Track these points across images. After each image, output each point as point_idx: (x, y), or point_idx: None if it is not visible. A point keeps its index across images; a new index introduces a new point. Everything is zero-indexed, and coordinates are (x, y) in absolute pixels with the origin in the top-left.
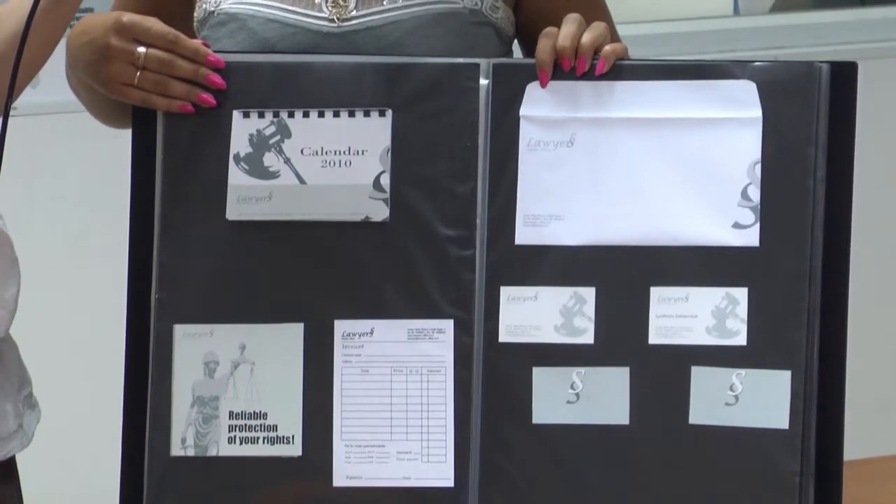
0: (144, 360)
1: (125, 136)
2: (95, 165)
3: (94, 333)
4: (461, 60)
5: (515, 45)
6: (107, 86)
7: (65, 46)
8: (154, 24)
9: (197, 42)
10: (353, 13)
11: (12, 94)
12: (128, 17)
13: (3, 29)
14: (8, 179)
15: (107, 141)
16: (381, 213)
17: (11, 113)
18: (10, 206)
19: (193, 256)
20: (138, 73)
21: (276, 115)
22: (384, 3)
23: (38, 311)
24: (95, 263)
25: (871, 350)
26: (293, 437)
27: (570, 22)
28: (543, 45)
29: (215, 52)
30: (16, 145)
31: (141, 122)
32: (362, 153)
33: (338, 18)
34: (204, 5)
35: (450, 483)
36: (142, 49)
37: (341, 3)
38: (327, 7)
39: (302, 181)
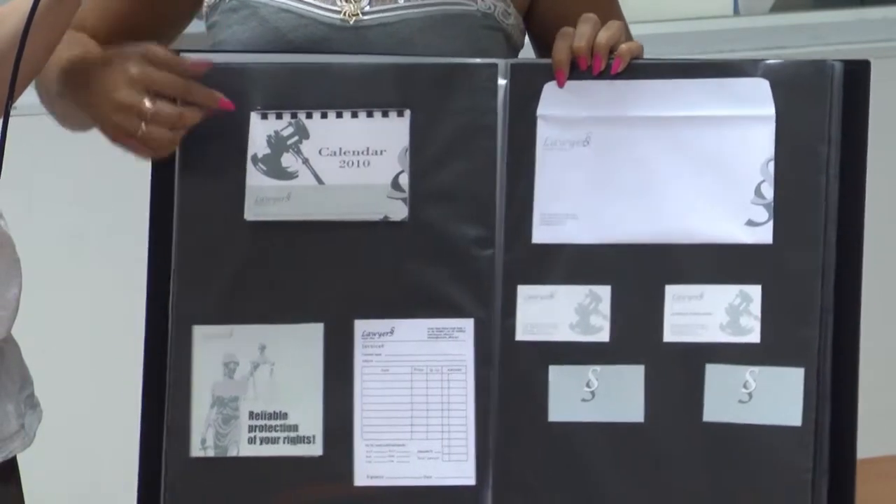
0: (163, 362)
1: None
2: (95, 165)
3: (95, 333)
4: (479, 61)
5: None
6: (106, 132)
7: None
8: (164, 75)
9: (211, 90)
10: (367, 9)
11: (13, 93)
12: (138, 67)
13: (4, 28)
14: (8, 179)
15: (107, 141)
16: (400, 212)
17: (13, 113)
18: (10, 207)
19: (211, 257)
20: (143, 127)
21: (293, 116)
22: (398, 1)
23: (38, 311)
24: (95, 263)
25: (879, 348)
26: (314, 436)
27: (586, 22)
28: (560, 46)
29: (225, 49)
30: (16, 145)
31: None
32: (381, 153)
33: (349, 14)
34: None
35: (471, 481)
36: (149, 105)
37: None
38: (341, 0)
39: (320, 181)
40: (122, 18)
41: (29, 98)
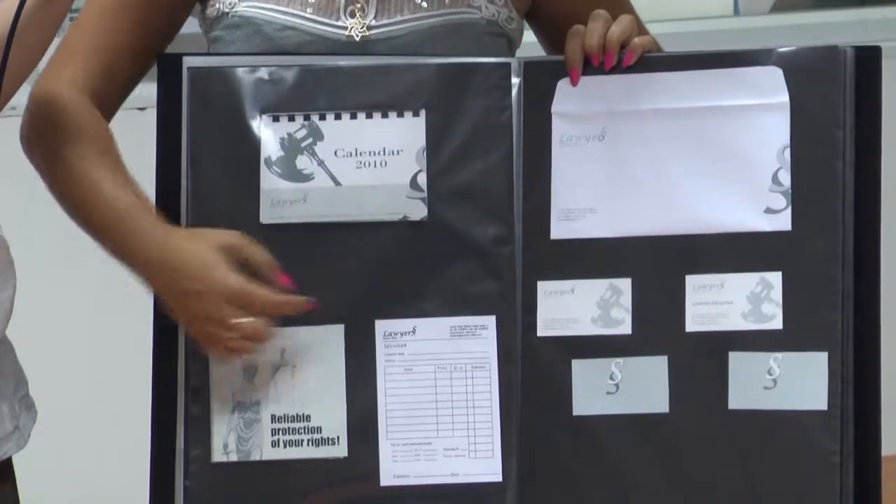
0: (172, 367)
1: (126, 136)
2: None
3: (91, 334)
4: (493, 60)
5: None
6: (190, 331)
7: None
8: (262, 297)
9: (301, 300)
10: (372, 24)
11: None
12: (238, 283)
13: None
14: (8, 180)
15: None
16: (419, 212)
17: (11, 113)
18: (10, 207)
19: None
20: (229, 336)
21: (306, 118)
22: (404, 13)
23: (35, 312)
24: (93, 264)
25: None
26: (338, 438)
27: (597, 19)
28: (572, 45)
29: (232, 54)
30: (16, 145)
31: (165, 133)
32: (398, 153)
33: (355, 31)
34: (217, 4)
35: (498, 478)
36: (245, 321)
37: (359, 14)
38: (345, 16)
39: (337, 183)
40: (125, 35)
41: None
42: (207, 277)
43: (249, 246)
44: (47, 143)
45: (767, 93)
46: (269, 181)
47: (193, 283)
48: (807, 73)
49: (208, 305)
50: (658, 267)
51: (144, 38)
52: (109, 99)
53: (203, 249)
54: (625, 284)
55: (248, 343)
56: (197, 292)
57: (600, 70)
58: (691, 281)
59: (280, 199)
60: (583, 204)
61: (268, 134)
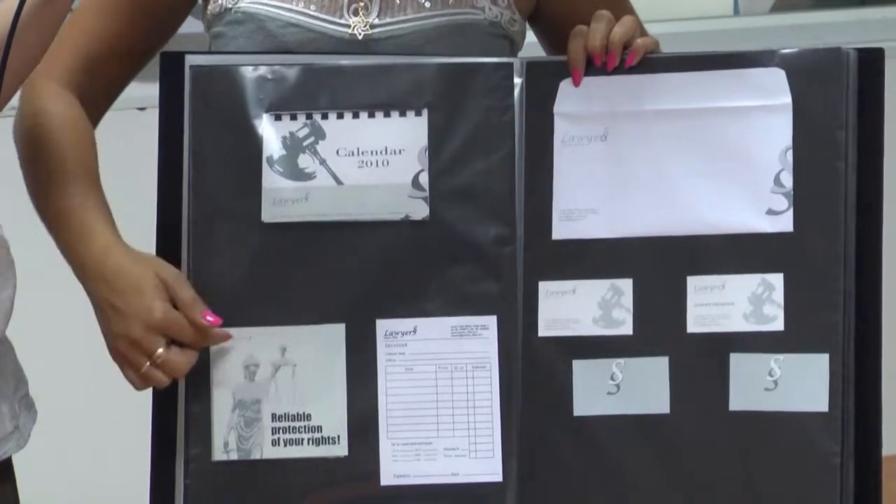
0: None
1: (126, 136)
2: None
3: (91, 334)
4: (495, 60)
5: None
6: (109, 349)
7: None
8: (183, 328)
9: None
10: (375, 22)
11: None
12: (161, 311)
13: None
14: (8, 180)
15: (107, 141)
16: (421, 211)
17: (11, 113)
18: (10, 207)
19: (229, 260)
20: (147, 365)
21: (308, 116)
22: (407, 13)
23: (35, 312)
24: None
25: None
26: (338, 437)
27: (599, 19)
28: (574, 45)
29: (234, 52)
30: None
31: (166, 131)
32: (399, 152)
33: (358, 29)
34: (220, 0)
35: (498, 478)
36: (161, 351)
37: (363, 12)
38: (349, 14)
39: (339, 182)
40: (120, 38)
41: None
42: (133, 299)
43: (182, 286)
44: (29, 149)
45: (770, 94)
46: (271, 180)
47: (119, 300)
48: (809, 75)
49: (128, 325)
50: (659, 268)
51: (135, 39)
52: (95, 97)
53: (140, 272)
54: (626, 285)
55: (164, 377)
56: (120, 310)
57: (603, 70)
58: (693, 282)
59: (282, 198)
60: (584, 204)
61: (270, 132)
